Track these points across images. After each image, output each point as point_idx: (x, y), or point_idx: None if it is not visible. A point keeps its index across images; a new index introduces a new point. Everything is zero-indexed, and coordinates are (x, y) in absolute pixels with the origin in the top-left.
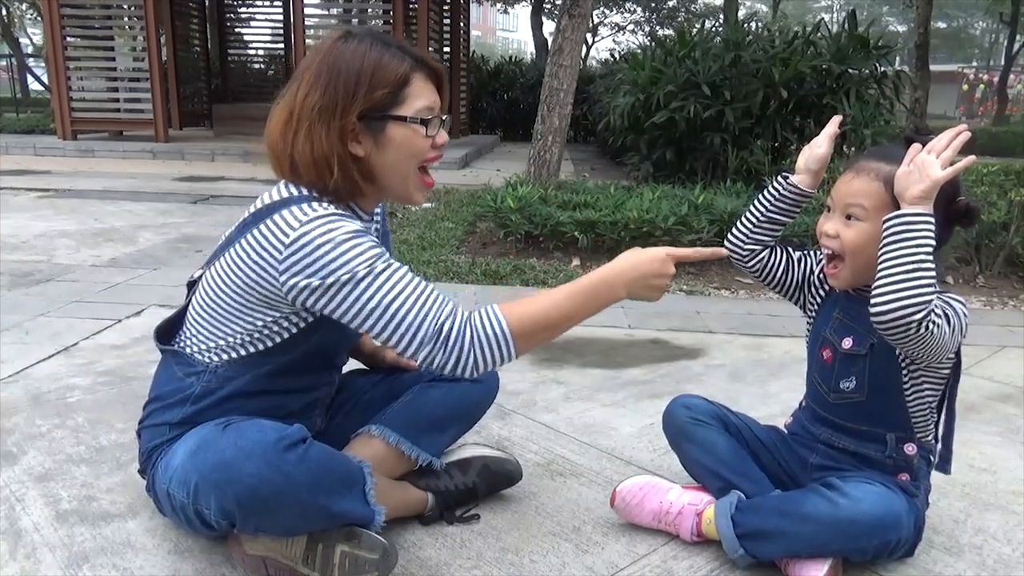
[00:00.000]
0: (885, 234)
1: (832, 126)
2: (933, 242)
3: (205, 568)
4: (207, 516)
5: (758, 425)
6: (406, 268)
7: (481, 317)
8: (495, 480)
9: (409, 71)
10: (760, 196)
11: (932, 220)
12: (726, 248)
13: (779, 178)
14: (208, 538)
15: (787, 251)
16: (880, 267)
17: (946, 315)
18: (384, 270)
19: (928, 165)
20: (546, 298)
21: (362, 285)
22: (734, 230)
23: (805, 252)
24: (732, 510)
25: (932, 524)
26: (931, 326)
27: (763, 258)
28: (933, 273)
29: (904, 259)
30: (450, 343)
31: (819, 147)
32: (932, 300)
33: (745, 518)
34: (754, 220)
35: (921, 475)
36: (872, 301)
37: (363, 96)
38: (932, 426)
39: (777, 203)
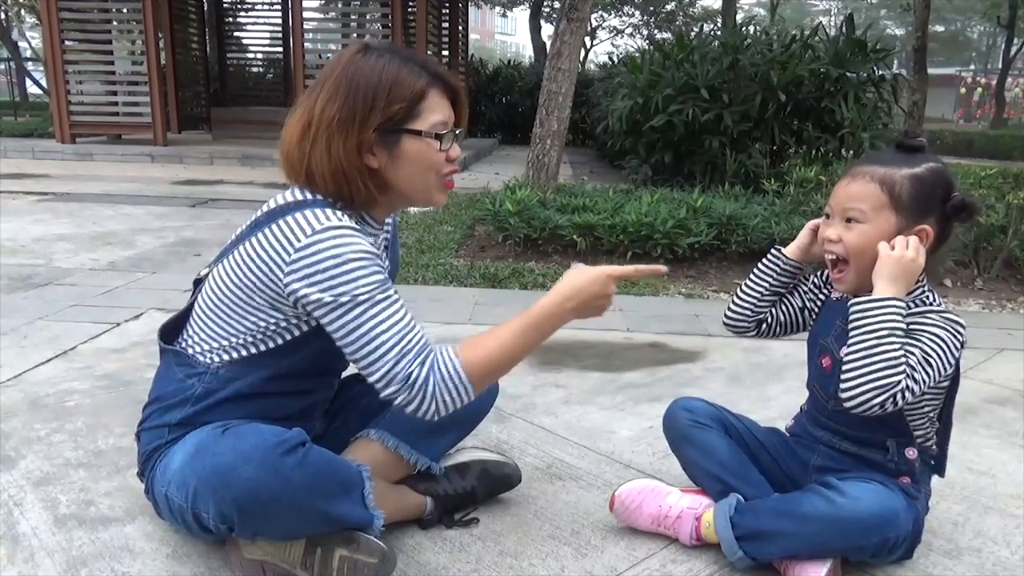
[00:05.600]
0: (850, 319)
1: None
2: (899, 324)
3: (203, 572)
4: (205, 520)
5: (758, 427)
6: (401, 302)
7: (441, 366)
8: (494, 484)
9: (426, 86)
10: (758, 275)
11: (898, 304)
12: (726, 326)
13: (772, 252)
14: (206, 542)
15: (782, 300)
16: (845, 355)
17: (928, 361)
18: (382, 300)
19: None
20: (497, 337)
21: (357, 310)
22: (734, 309)
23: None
24: (731, 512)
25: (931, 527)
26: (905, 396)
27: (764, 323)
28: (898, 354)
29: (864, 345)
30: (415, 389)
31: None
32: (899, 381)
33: (744, 519)
34: (756, 297)
35: (922, 479)
36: (840, 388)
37: (380, 110)
38: (932, 433)
39: (780, 277)
